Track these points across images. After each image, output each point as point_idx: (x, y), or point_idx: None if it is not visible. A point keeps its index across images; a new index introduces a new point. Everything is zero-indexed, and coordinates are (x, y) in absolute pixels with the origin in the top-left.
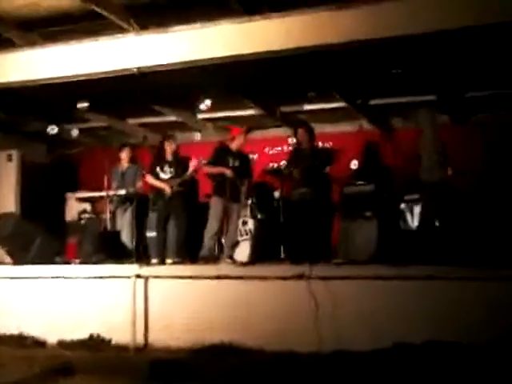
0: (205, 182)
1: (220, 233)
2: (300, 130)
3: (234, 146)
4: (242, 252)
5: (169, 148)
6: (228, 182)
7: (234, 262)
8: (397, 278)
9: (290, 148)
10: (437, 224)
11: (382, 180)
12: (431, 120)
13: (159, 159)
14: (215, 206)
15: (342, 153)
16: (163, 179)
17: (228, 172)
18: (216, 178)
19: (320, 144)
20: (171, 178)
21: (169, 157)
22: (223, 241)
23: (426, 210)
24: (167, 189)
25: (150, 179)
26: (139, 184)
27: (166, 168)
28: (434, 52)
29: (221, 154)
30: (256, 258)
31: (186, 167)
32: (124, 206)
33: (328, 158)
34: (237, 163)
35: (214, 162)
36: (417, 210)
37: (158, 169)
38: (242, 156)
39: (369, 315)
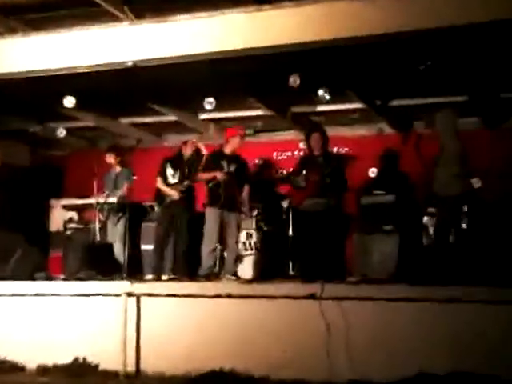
0: (202, 190)
1: (220, 246)
2: (314, 135)
3: (228, 149)
4: (247, 268)
5: (187, 153)
6: (222, 189)
7: (238, 278)
8: (419, 300)
9: (301, 153)
10: (453, 241)
11: (402, 190)
12: (450, 125)
13: (172, 162)
14: (210, 217)
15: (356, 159)
16: (170, 183)
17: (220, 175)
18: (209, 186)
19: (334, 149)
20: (177, 183)
21: (186, 160)
22: (225, 254)
23: (440, 226)
24: (174, 194)
25: (159, 182)
26: (124, 188)
27: (177, 172)
28: (465, 47)
29: (214, 159)
30: (262, 274)
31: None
32: (116, 215)
33: (340, 165)
34: (232, 168)
35: (206, 167)
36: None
37: (168, 172)
38: (238, 160)
39: (387, 340)
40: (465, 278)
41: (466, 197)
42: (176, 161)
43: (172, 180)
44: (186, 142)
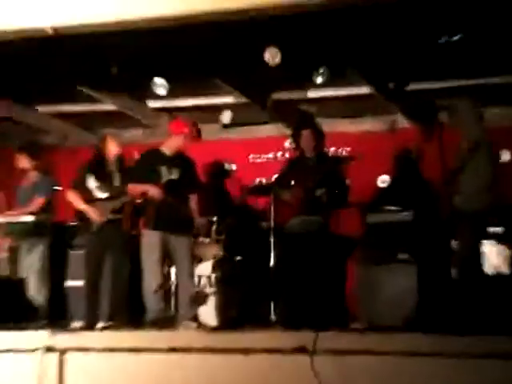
0: None
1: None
2: (305, 133)
3: (168, 148)
4: (212, 311)
5: (112, 151)
6: (163, 206)
7: (199, 325)
8: (446, 355)
9: (286, 155)
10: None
11: (424, 204)
12: (475, 119)
13: (95, 168)
14: (147, 243)
15: (361, 161)
16: (97, 199)
17: (154, 192)
18: (142, 202)
19: (331, 150)
20: (108, 198)
21: (111, 165)
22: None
23: (465, 250)
24: (95, 216)
25: (72, 197)
26: (36, 202)
27: (105, 183)
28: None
29: (147, 164)
30: (233, 320)
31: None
32: (31, 240)
33: (338, 170)
34: (174, 175)
35: (136, 175)
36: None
37: (91, 182)
38: (182, 162)
39: None
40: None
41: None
42: (98, 167)
43: (99, 194)
44: (104, 139)
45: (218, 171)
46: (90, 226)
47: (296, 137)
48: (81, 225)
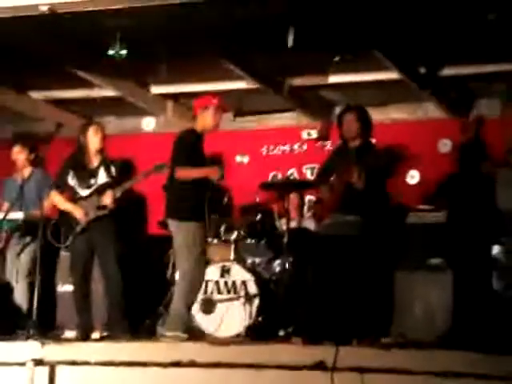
0: (158, 200)
1: None
2: (348, 117)
3: (201, 128)
4: (221, 321)
5: (94, 143)
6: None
7: (206, 337)
8: (484, 376)
9: (304, 147)
10: None
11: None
12: None
13: (76, 162)
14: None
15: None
16: (80, 197)
17: (215, 175)
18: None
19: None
20: (92, 194)
21: (93, 159)
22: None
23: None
24: (80, 216)
25: (55, 197)
26: (46, 203)
27: (87, 178)
28: None
29: (191, 146)
30: (246, 332)
31: (122, 177)
32: (20, 241)
33: (388, 163)
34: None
35: (183, 159)
36: None
37: (70, 179)
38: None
39: None
40: None
41: None
42: (78, 162)
43: (80, 191)
44: (85, 130)
45: None
46: (75, 226)
47: (340, 122)
48: (65, 226)
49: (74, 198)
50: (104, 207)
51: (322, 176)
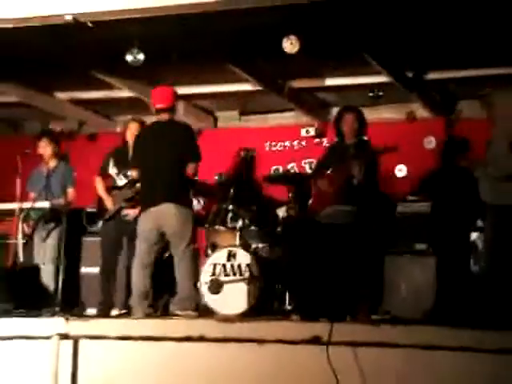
0: None
1: None
2: (348, 117)
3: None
4: (227, 300)
5: (130, 137)
6: None
7: (214, 315)
8: (463, 349)
9: (303, 143)
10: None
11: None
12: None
13: (119, 154)
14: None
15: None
16: (114, 187)
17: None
18: None
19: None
20: (125, 186)
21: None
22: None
23: (491, 245)
24: (110, 205)
25: (98, 184)
26: (70, 193)
27: (125, 169)
28: None
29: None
30: (250, 309)
31: None
32: (47, 227)
33: (375, 158)
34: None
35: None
36: None
37: (111, 168)
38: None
39: None
40: None
41: None
42: (120, 154)
43: (118, 181)
44: (126, 125)
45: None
46: (105, 213)
47: (338, 121)
48: (97, 212)
49: (111, 186)
50: (131, 200)
51: (320, 170)
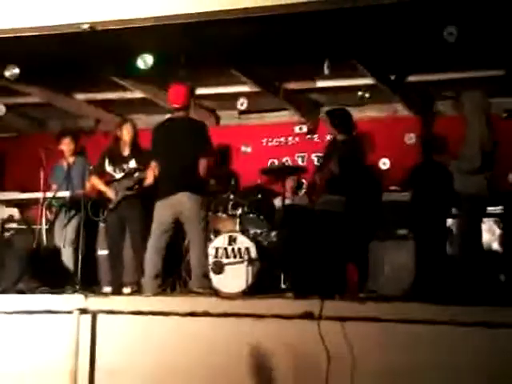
0: None
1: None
2: (322, 119)
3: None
4: (228, 280)
5: (126, 135)
6: None
7: (216, 293)
8: (439, 323)
9: (296, 139)
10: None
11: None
12: (481, 108)
13: (112, 152)
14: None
15: (371, 142)
16: (114, 179)
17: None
18: None
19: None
20: (123, 177)
21: (126, 149)
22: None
23: (464, 230)
24: (110, 194)
25: (94, 181)
26: (87, 185)
27: (121, 164)
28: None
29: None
30: (249, 288)
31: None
32: (68, 214)
33: (356, 148)
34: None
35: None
36: None
37: (107, 165)
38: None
39: (399, 371)
40: (498, 296)
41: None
42: (113, 151)
43: (115, 175)
44: (119, 125)
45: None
46: (109, 203)
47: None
48: (102, 203)
49: (110, 180)
50: (131, 188)
51: (321, 164)
